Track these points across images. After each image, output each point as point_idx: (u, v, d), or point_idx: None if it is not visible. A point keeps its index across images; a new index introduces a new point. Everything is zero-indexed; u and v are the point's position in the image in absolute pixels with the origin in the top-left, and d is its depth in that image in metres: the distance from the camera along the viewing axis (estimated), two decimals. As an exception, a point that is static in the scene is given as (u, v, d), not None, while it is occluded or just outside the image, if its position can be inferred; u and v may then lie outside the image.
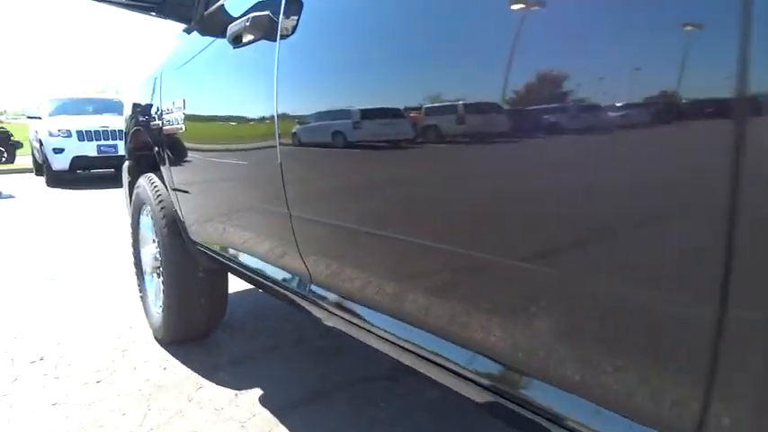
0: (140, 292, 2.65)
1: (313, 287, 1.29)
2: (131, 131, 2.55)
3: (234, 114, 1.52)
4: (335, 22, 1.10)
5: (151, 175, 2.41)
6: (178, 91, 1.91)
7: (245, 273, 1.69)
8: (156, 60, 2.37)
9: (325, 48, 1.11)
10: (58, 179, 9.14)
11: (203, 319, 2.34)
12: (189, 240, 2.08)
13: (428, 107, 0.82)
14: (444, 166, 0.83)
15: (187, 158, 1.90)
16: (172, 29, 2.19)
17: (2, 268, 3.79)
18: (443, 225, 0.85)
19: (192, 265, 2.19)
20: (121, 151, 9.09)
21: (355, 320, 1.16)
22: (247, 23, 1.29)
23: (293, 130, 1.19)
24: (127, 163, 2.76)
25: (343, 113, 1.04)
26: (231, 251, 1.75)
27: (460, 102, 0.76)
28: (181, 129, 1.84)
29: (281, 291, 1.44)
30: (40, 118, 9.69)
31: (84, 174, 9.71)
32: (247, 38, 1.34)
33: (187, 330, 2.35)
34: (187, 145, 1.86)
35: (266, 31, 1.26)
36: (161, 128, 2.05)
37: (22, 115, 12.06)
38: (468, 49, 0.75)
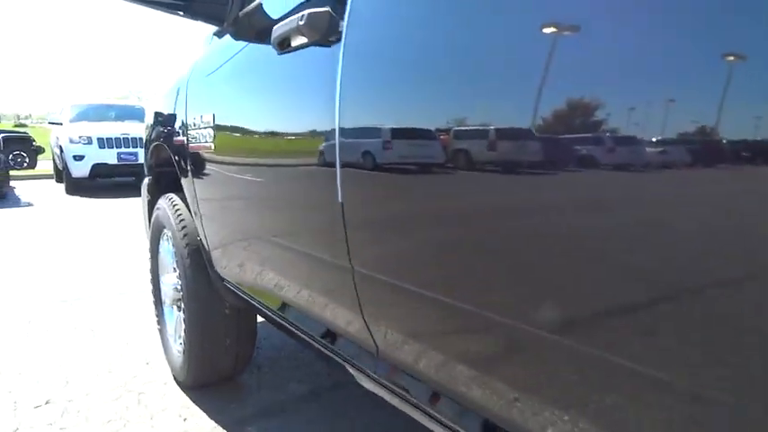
0: (158, 324, 2.39)
1: (380, 364, 1.00)
2: (152, 146, 2.29)
3: (277, 132, 1.25)
4: (424, 17, 0.81)
5: (173, 196, 2.15)
6: (207, 103, 1.64)
7: (283, 325, 1.41)
8: (181, 68, 2.11)
9: (411, 49, 0.83)
10: (77, 186, 8.99)
11: (229, 362, 2.06)
12: (215, 275, 1.81)
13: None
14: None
15: (216, 182, 1.63)
16: (199, 33, 1.94)
17: (12, 286, 3.56)
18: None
19: (218, 300, 1.91)
20: (142, 159, 9.05)
21: (436, 413, 0.87)
22: (300, 23, 1.01)
23: (361, 157, 0.90)
24: (146, 180, 2.50)
25: (437, 136, 0.75)
26: (268, 298, 1.47)
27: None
28: (209, 147, 1.57)
29: (334, 357, 1.15)
30: (61, 124, 9.58)
31: (103, 181, 9.56)
32: (298, 41, 1.06)
33: (211, 374, 2.07)
34: (216, 166, 1.59)
35: (326, 31, 0.98)
36: (186, 144, 1.78)
37: (47, 120, 11.99)
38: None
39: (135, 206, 6.96)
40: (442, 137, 0.73)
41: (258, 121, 1.34)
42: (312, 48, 1.04)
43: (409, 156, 0.83)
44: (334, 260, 1.02)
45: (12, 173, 10.12)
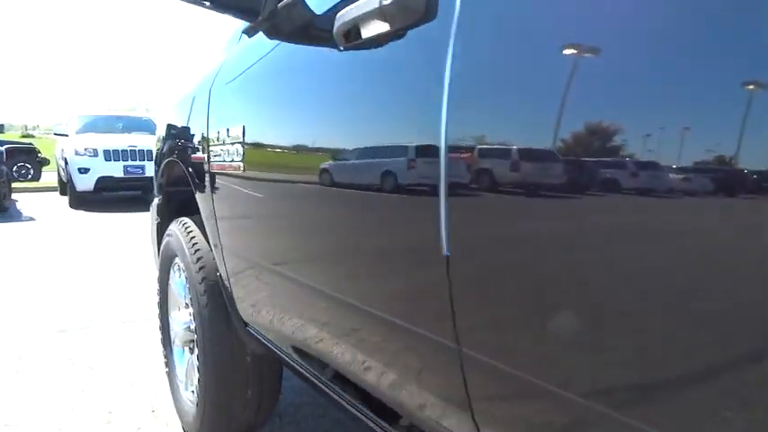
0: (166, 366, 2.08)
1: None
2: (164, 162, 2.00)
3: (338, 151, 0.95)
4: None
5: (186, 220, 1.86)
6: (236, 113, 1.36)
7: (326, 392, 1.11)
8: (198, 75, 1.84)
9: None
10: (81, 200, 8.73)
11: (249, 416, 1.75)
12: (237, 319, 1.51)
13: None
14: None
15: (245, 210, 1.34)
16: (213, 38, 1.66)
17: (5, 313, 3.27)
18: None
19: (239, 346, 1.62)
20: (149, 172, 8.91)
21: None
22: (384, 3, 0.72)
23: (481, 186, 0.61)
24: (156, 201, 2.22)
25: (614, 156, 0.47)
26: (310, 359, 1.17)
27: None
28: (238, 166, 1.28)
29: None
30: (66, 135, 9.36)
31: (109, 195, 9.30)
32: (376, 29, 0.78)
33: (228, 429, 1.76)
34: (246, 190, 1.30)
35: (427, 10, 0.69)
36: (206, 161, 1.50)
37: (53, 131, 11.81)
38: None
39: (142, 222, 6.69)
40: (622, 158, 0.47)
41: (308, 136, 1.05)
42: (399, 36, 0.75)
43: (557, 184, 0.54)
44: (429, 335, 0.72)
45: (15, 185, 9.88)
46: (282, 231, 1.20)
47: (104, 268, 4.48)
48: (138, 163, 8.58)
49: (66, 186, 9.41)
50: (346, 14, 0.84)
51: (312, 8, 1.08)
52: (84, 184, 8.47)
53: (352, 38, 0.84)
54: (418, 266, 0.74)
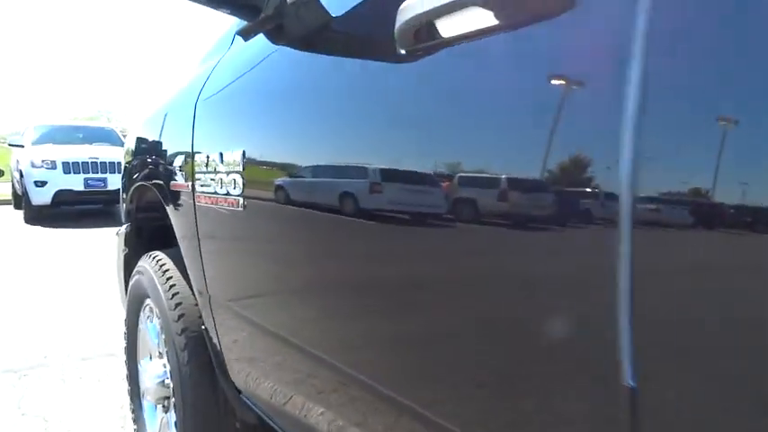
0: (135, 422, 1.78)
1: None
2: (134, 187, 1.72)
3: (404, 188, 0.70)
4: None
5: (161, 256, 1.58)
6: (231, 134, 1.10)
7: None
8: (174, 87, 1.57)
9: None
10: (38, 215, 8.21)
11: (237, 492, 1.47)
12: (228, 385, 1.24)
13: None
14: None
15: (243, 256, 1.08)
16: (183, 48, 1.41)
17: (-52, 349, 2.88)
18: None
19: (227, 413, 1.34)
20: (111, 185, 8.49)
21: None
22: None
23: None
24: (124, 228, 1.92)
25: None
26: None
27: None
28: (235, 201, 1.01)
29: None
30: (22, 146, 8.86)
31: (68, 209, 8.80)
32: (473, 21, 0.53)
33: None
34: (246, 231, 1.04)
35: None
36: (190, 192, 1.23)
37: (6, 141, 11.21)
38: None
39: (104, 238, 6.27)
40: None
41: (339, 169, 0.79)
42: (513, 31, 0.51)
43: None
44: None
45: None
46: (297, 289, 0.94)
47: (61, 293, 4.09)
48: (99, 175, 8.15)
49: (21, 200, 8.91)
50: (410, 10, 0.59)
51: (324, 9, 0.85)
52: (41, 197, 7.99)
53: (423, 38, 0.59)
54: (563, 399, 0.49)
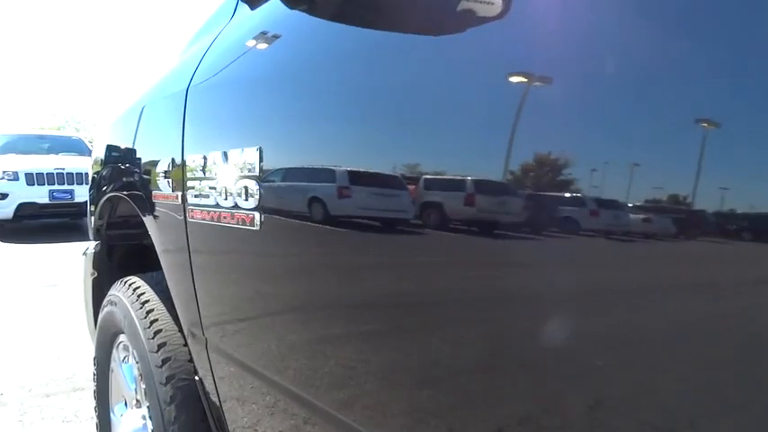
0: (107, 481, 1.48)
1: None
2: (104, 199, 1.43)
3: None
4: None
5: (139, 283, 1.30)
6: (236, 127, 0.82)
7: None
8: (149, 79, 1.30)
9: None
10: (-1, 229, 7.79)
11: None
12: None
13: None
14: None
15: (260, 287, 0.80)
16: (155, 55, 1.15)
17: None
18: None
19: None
20: (79, 197, 8.12)
21: None
22: None
23: None
24: (92, 248, 1.62)
25: None
26: None
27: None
28: (248, 215, 0.74)
29: None
30: (-18, 157, 8.41)
31: (31, 223, 8.36)
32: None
33: None
34: (265, 255, 0.77)
35: None
36: (180, 204, 0.95)
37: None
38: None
39: (71, 254, 5.86)
40: None
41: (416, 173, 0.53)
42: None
43: None
44: None
45: None
46: (336, 339, 0.67)
47: (22, 317, 3.72)
48: (66, 187, 7.76)
49: (-21, 214, 8.43)
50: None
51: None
52: (2, 211, 7.56)
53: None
54: None
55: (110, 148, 1.47)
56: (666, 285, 0.39)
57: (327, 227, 0.67)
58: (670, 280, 0.39)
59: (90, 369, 1.57)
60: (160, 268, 1.18)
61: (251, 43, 0.84)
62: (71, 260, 5.34)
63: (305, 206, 0.68)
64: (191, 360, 1.08)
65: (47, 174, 7.73)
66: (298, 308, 0.74)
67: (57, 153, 8.66)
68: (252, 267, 0.80)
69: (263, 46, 0.82)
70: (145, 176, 1.15)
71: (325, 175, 0.65)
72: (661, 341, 0.38)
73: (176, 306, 1.04)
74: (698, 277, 0.38)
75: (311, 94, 0.70)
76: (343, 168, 0.63)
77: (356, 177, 0.63)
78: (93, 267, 1.59)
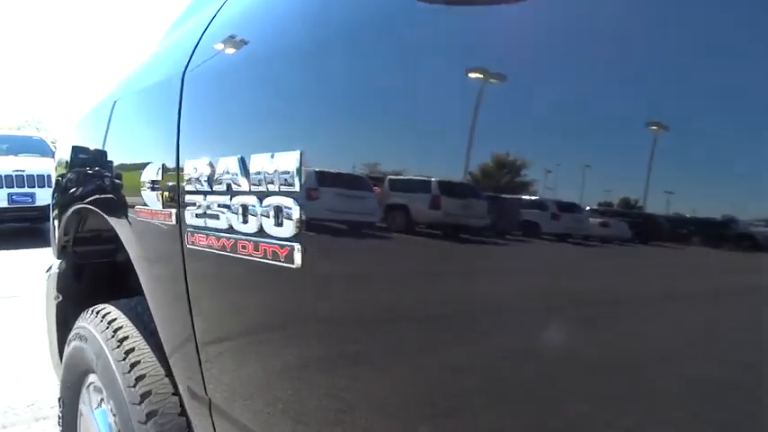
0: None
1: None
2: (70, 211, 1.20)
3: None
4: None
5: (114, 313, 1.08)
6: (261, 125, 0.61)
7: None
8: (123, 71, 1.08)
9: None
10: (-47, 235, 7.40)
11: None
12: None
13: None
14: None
15: (296, 342, 0.60)
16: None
17: None
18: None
19: None
20: (41, 201, 7.77)
21: None
22: None
23: None
24: (56, 267, 1.38)
25: None
26: None
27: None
28: (283, 246, 0.54)
29: None
30: (-67, 159, 8.01)
31: (-13, 228, 7.97)
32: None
33: None
34: (308, 303, 0.56)
35: None
36: (174, 225, 0.74)
37: None
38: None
39: (32, 262, 5.49)
40: None
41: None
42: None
43: None
44: None
45: None
46: (394, 407, 0.47)
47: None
48: (26, 190, 7.41)
49: (-68, 219, 8.03)
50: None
51: None
52: (-44, 216, 7.22)
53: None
54: None
55: (76, 154, 1.24)
56: (642, 287, 0.37)
57: (420, 267, 0.47)
58: (644, 282, 0.37)
59: (55, 394, 1.34)
60: (140, 292, 0.96)
61: (279, 8, 0.63)
62: (33, 269, 5.00)
63: (374, 234, 0.48)
64: (180, 413, 0.87)
65: (5, 176, 7.37)
66: (356, 376, 0.53)
67: (16, 154, 8.31)
68: (285, 322, 0.58)
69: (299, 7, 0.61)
70: (125, 186, 0.93)
71: (414, 186, 0.45)
72: (636, 346, 0.37)
73: (167, 353, 0.82)
74: (674, 279, 0.36)
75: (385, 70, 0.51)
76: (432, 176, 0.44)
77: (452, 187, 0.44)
78: (58, 290, 1.36)
